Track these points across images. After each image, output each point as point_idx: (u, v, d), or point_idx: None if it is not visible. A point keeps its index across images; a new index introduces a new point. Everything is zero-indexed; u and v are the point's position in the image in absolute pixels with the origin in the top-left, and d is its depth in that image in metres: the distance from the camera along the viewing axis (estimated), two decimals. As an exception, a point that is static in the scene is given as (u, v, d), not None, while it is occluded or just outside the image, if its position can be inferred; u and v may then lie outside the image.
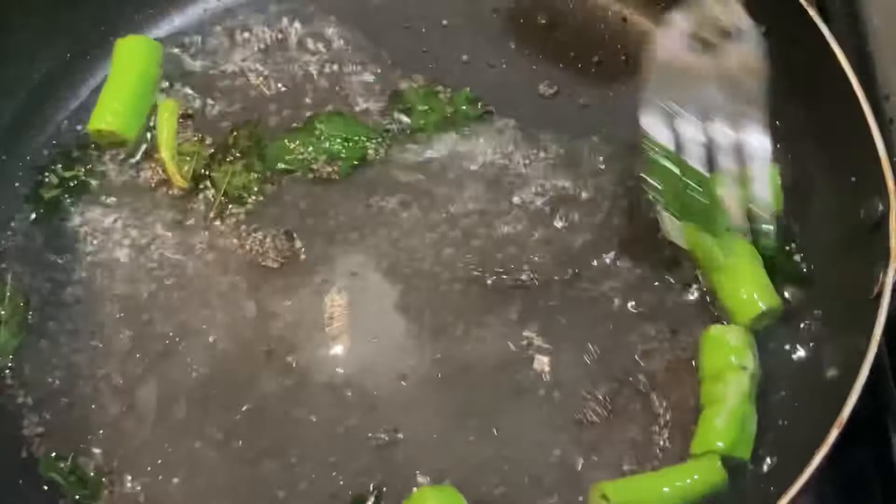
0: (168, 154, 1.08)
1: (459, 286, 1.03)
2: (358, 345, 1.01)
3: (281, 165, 1.09)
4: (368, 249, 1.05)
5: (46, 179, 1.09)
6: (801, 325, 1.00)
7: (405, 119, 1.10)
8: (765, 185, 0.99)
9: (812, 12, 1.00)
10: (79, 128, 1.11)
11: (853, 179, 0.97)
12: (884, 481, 0.95)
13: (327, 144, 1.09)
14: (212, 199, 1.07)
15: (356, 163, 1.08)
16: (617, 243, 1.04)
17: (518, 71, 1.13)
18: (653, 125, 0.99)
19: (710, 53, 0.99)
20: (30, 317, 1.03)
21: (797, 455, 0.86)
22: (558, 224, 1.05)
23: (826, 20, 1.01)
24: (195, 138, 1.10)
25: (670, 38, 0.99)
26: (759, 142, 0.99)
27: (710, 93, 0.99)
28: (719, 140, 0.99)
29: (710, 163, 0.99)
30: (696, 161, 0.98)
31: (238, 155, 1.09)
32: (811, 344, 0.98)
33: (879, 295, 0.89)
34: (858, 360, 0.86)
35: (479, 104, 1.11)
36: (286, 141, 1.09)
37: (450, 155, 1.09)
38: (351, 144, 1.09)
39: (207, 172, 1.08)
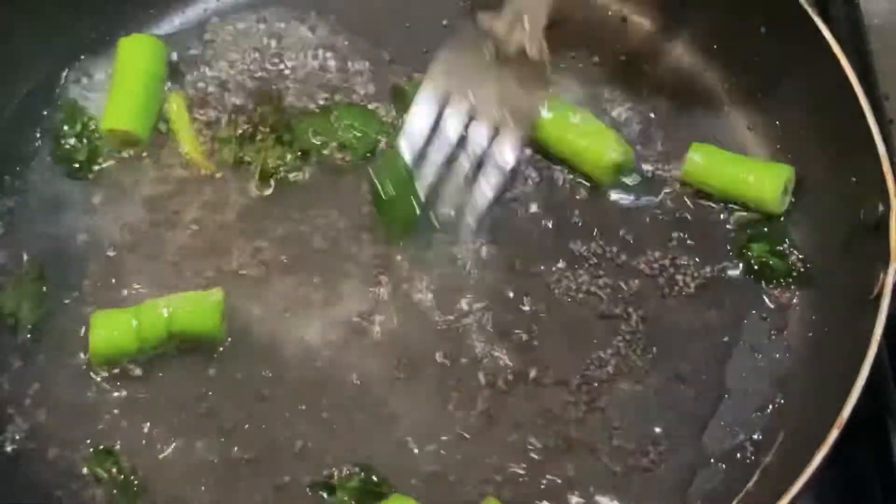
0: (191, 144, 1.09)
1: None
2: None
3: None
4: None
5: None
6: (801, 325, 1.00)
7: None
8: (488, 190, 1.03)
9: (812, 12, 1.00)
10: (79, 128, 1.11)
11: (853, 179, 0.97)
12: (884, 481, 0.95)
13: (340, 133, 1.09)
14: (251, 176, 1.07)
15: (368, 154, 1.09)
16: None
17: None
18: (425, 102, 1.04)
19: (502, 62, 1.03)
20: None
21: (797, 455, 0.86)
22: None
23: (826, 20, 1.01)
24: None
25: (471, 35, 1.04)
26: (506, 154, 1.03)
27: (488, 94, 1.04)
28: (472, 138, 1.04)
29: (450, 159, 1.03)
30: (437, 154, 1.02)
31: (272, 138, 1.08)
32: (811, 344, 0.99)
33: (879, 295, 0.89)
34: (858, 360, 0.87)
35: None
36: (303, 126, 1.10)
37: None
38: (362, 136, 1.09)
39: (241, 155, 1.08)
